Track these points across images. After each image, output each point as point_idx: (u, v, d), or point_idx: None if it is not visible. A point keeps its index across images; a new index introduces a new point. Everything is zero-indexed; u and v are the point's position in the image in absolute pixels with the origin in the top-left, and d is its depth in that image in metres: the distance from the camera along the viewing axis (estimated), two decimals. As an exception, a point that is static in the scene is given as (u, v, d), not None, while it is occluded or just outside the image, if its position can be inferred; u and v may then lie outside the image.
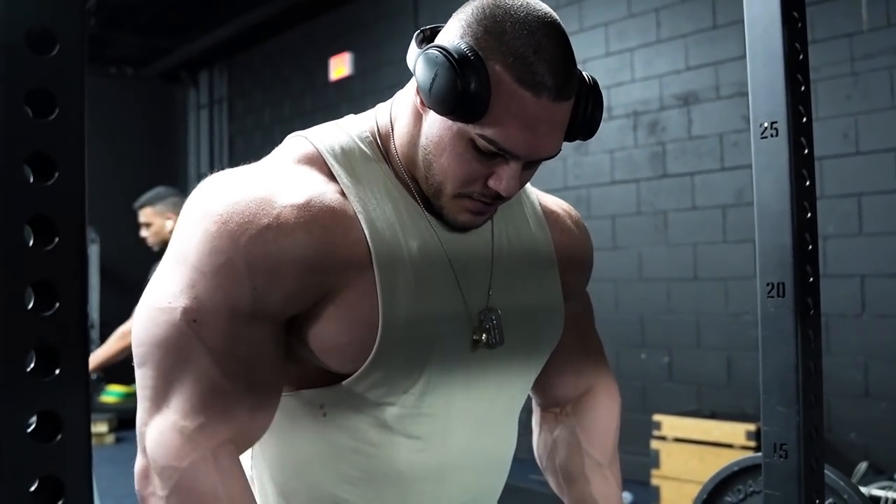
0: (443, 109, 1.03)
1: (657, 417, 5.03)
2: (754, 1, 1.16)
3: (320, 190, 1.09)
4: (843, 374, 4.66)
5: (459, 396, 1.18)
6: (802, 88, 1.19)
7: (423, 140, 1.11)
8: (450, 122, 1.06)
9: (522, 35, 1.02)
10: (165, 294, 1.05)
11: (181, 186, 10.47)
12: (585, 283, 1.40)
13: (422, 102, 1.09)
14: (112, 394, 7.88)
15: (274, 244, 1.03)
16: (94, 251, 7.92)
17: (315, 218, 1.06)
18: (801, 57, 1.19)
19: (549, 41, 1.03)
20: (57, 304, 0.56)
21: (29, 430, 0.55)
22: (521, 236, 1.27)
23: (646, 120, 5.74)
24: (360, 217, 1.10)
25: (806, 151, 1.19)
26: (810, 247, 1.19)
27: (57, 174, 0.56)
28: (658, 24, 5.66)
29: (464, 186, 1.10)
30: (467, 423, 1.20)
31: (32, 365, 0.55)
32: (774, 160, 1.18)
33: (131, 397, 4.97)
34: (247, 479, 1.08)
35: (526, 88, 1.02)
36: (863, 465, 4.31)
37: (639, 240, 5.77)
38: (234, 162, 1.17)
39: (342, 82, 8.25)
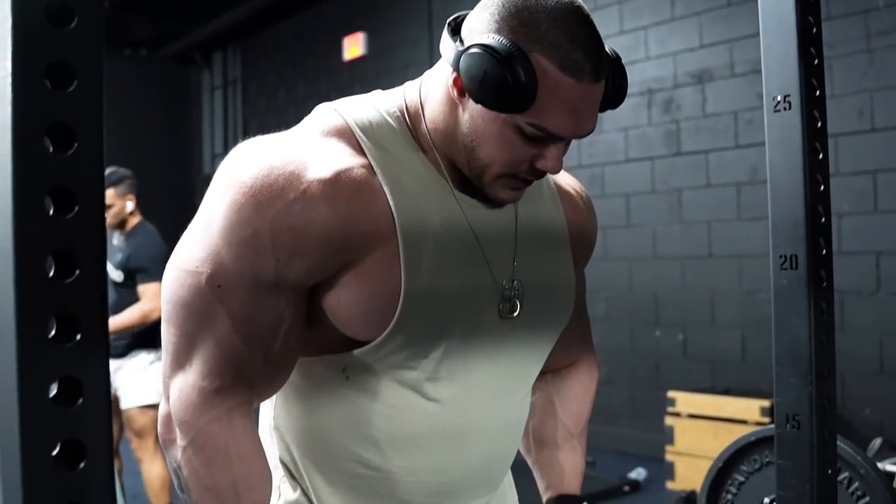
0: (494, 105, 1.08)
1: (671, 394, 5.04)
2: (767, -27, 1.16)
3: (347, 164, 1.12)
4: (858, 351, 4.66)
5: (479, 363, 1.22)
6: (816, 62, 1.19)
7: (464, 128, 1.14)
8: (495, 112, 1.09)
9: (557, 24, 1.06)
10: (193, 258, 1.10)
11: (196, 167, 10.51)
12: (586, 262, 1.45)
13: (459, 94, 1.12)
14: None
15: (299, 218, 1.07)
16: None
17: (340, 192, 1.09)
18: (814, 30, 1.18)
19: (580, 27, 1.07)
20: (77, 272, 0.57)
21: (51, 395, 0.56)
22: (540, 213, 1.30)
23: (660, 98, 5.72)
24: (387, 189, 1.13)
25: (819, 125, 1.19)
26: (823, 219, 1.19)
27: (76, 144, 0.57)
28: (672, 1, 5.63)
29: (510, 168, 1.15)
30: (486, 389, 1.24)
31: (53, 331, 0.57)
32: (787, 133, 1.18)
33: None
34: (258, 438, 1.16)
35: (569, 75, 1.06)
36: (877, 441, 4.31)
37: (653, 218, 5.77)
38: (248, 142, 1.19)
39: (356, 63, 8.24)
